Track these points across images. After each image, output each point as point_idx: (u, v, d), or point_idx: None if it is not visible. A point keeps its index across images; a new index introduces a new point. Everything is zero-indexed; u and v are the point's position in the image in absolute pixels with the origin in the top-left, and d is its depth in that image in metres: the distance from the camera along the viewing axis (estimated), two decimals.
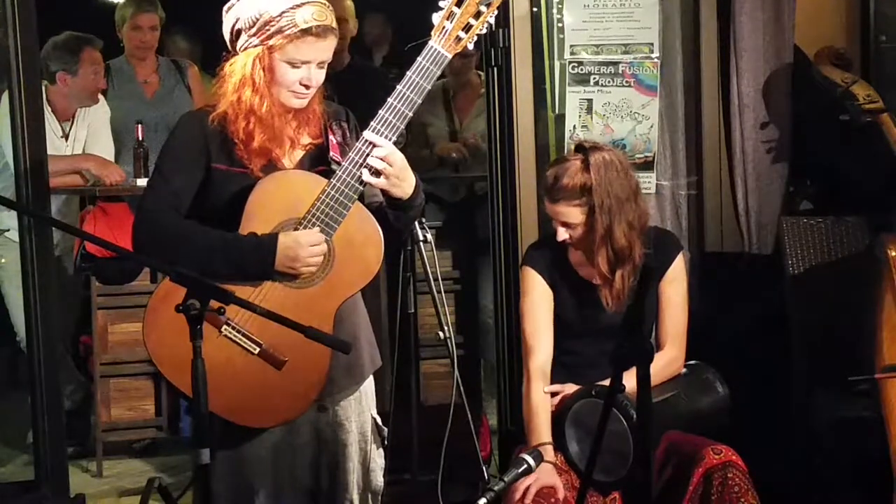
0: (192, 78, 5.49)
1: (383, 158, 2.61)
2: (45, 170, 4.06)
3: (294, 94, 2.67)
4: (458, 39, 2.68)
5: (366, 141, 2.62)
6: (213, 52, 2.81)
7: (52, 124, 4.87)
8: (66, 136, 5.05)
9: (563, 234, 3.11)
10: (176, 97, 5.41)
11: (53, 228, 4.30)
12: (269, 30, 2.61)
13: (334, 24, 2.67)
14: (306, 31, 2.60)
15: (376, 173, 2.62)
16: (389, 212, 2.71)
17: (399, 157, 2.64)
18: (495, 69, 4.07)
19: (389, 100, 2.64)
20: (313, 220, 2.62)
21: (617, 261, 3.10)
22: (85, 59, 4.94)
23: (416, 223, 3.25)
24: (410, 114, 2.65)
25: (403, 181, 2.67)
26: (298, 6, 2.60)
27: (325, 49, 2.66)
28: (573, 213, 3.07)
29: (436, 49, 2.66)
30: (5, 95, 4.21)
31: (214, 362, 2.51)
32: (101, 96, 5.21)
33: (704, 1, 4.11)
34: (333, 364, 2.67)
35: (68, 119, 5.06)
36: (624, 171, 3.11)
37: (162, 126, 5.05)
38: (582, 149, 3.14)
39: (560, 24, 4.07)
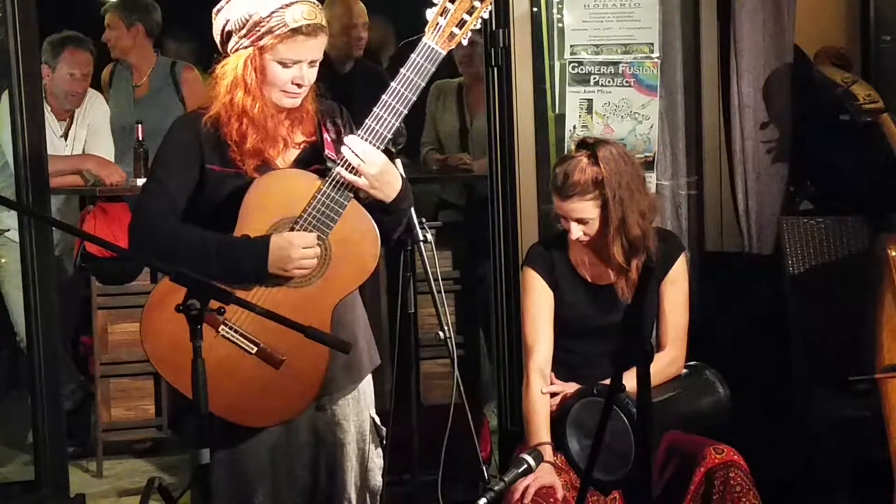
0: (187, 81, 5.40)
1: (360, 154, 2.59)
2: (45, 170, 4.06)
3: (286, 93, 2.67)
4: (452, 35, 2.68)
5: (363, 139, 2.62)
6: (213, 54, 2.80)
7: (50, 123, 4.86)
8: (65, 136, 5.04)
9: (577, 232, 3.11)
10: (162, 100, 5.34)
11: (53, 228, 4.31)
12: (259, 30, 2.61)
13: (324, 23, 2.67)
14: (297, 31, 2.60)
15: (354, 172, 2.61)
16: (388, 210, 2.71)
17: (379, 161, 2.62)
18: (495, 69, 4.07)
19: (384, 96, 2.64)
20: (309, 218, 2.62)
21: (632, 251, 3.12)
22: (65, 58, 4.92)
23: (416, 223, 3.25)
24: (405, 110, 2.65)
25: (384, 185, 2.65)
26: (288, 6, 2.60)
27: (317, 48, 2.66)
28: (587, 208, 3.08)
29: (429, 45, 2.66)
30: (5, 95, 4.21)
31: (213, 362, 2.50)
32: (100, 96, 5.20)
33: (704, 1, 4.11)
34: (332, 363, 2.67)
35: (64, 118, 5.05)
36: (631, 162, 3.14)
37: (146, 130, 4.99)
38: (586, 144, 3.15)
39: (560, 24, 4.07)
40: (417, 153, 5.51)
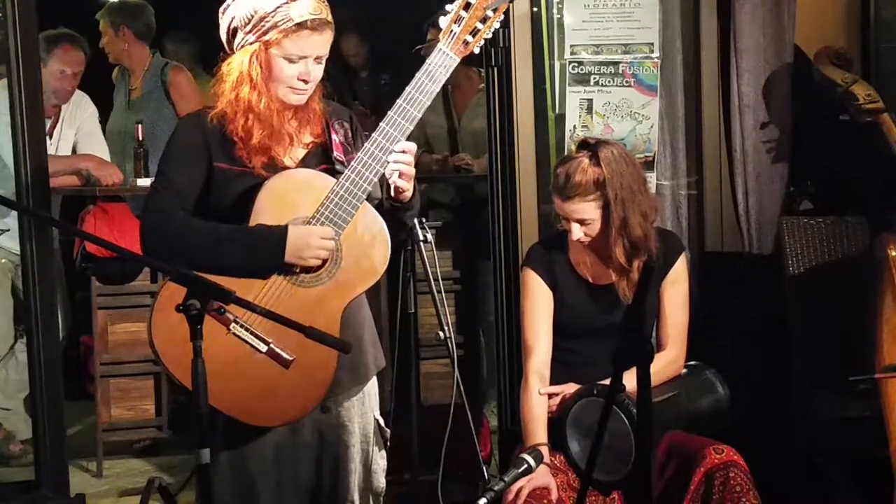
0: (174, 81, 5.35)
1: (406, 160, 2.64)
2: (46, 170, 4.06)
3: (292, 89, 2.67)
4: (466, 43, 2.70)
5: (376, 142, 2.62)
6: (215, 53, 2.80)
7: None
8: (49, 134, 5.00)
9: (578, 233, 3.11)
10: (153, 102, 5.33)
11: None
12: (264, 25, 2.61)
13: (330, 18, 2.67)
14: (302, 25, 2.60)
15: (399, 175, 2.64)
16: (400, 213, 2.73)
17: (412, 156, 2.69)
18: (495, 69, 4.06)
19: (399, 101, 2.65)
20: (322, 219, 2.62)
21: (634, 251, 3.12)
22: (57, 54, 4.89)
23: (416, 223, 3.26)
24: (419, 115, 2.67)
25: (411, 179, 2.70)
26: (293, 0, 2.60)
27: (322, 43, 2.66)
28: (589, 209, 3.08)
29: (444, 52, 2.68)
30: (5, 90, 4.19)
31: (223, 360, 2.51)
32: (87, 97, 5.16)
33: (704, 1, 4.12)
34: (339, 364, 2.66)
35: (50, 114, 4.99)
36: (632, 163, 3.14)
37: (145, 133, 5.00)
38: (587, 145, 3.15)
39: (560, 24, 4.07)
40: None
